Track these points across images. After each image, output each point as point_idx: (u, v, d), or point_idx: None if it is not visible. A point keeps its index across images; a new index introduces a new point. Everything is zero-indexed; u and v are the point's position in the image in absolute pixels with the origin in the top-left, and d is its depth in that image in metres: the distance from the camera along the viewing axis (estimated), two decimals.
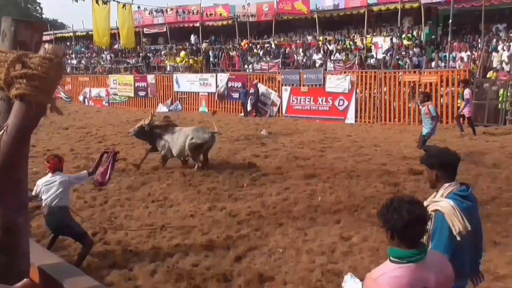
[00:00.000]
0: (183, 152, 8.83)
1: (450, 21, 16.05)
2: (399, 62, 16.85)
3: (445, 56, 16.48)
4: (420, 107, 9.02)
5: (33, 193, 4.85)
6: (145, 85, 22.58)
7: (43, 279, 1.88)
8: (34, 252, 2.01)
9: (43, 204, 4.82)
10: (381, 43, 19.18)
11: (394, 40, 18.31)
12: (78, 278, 1.87)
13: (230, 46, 23.68)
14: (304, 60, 19.35)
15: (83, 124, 16.45)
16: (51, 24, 41.85)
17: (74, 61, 29.22)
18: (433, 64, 16.56)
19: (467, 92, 11.68)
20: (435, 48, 18.17)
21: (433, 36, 19.34)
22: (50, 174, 4.85)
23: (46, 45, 1.47)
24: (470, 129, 11.82)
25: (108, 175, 5.21)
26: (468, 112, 11.75)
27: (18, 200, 1.62)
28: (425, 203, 2.63)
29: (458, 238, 2.45)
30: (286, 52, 20.60)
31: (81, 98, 25.90)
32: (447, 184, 2.58)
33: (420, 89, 14.10)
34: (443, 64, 16.30)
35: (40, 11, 51.05)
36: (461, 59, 16.11)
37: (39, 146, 11.76)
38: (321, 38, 21.39)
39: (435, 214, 2.52)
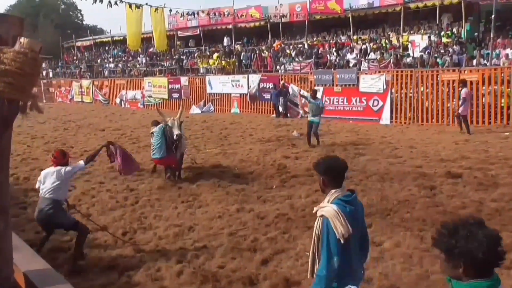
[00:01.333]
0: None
1: (493, 16, 15.23)
2: (438, 60, 16.19)
3: (488, 53, 15.66)
4: (312, 100, 10.86)
5: (37, 185, 5.03)
6: (179, 87, 22.97)
7: (27, 285, 1.85)
8: (22, 256, 1.99)
9: (40, 194, 4.90)
10: (418, 41, 18.52)
11: (432, 37, 17.62)
12: (59, 286, 1.84)
13: (263, 47, 23.67)
14: (337, 60, 19.01)
15: (118, 125, 16.92)
16: (91, 29, 43.54)
17: (112, 65, 30.21)
18: (474, 62, 15.78)
19: (463, 91, 12.27)
20: (476, 45, 17.31)
21: (475, 33, 18.45)
22: (52, 167, 4.94)
23: (22, 39, 1.39)
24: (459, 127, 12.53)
25: (127, 163, 5.20)
26: (463, 111, 12.34)
27: None
28: (314, 209, 2.74)
29: (342, 241, 2.54)
30: (319, 52, 20.33)
31: (117, 100, 26.70)
32: (333, 191, 2.68)
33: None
34: (485, 62, 15.49)
35: (80, 17, 53.23)
36: (506, 56, 15.24)
37: (76, 147, 12.21)
38: (355, 37, 20.95)
39: (322, 219, 2.64)
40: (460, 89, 12.86)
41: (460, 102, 12.47)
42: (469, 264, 1.68)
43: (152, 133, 8.34)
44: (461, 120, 12.51)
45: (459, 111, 12.50)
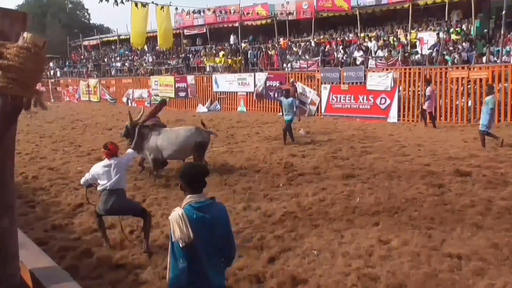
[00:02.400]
0: (180, 153, 8.30)
1: (504, 12, 15.05)
2: (446, 57, 16.03)
3: (498, 50, 15.46)
4: (285, 99, 11.48)
5: (85, 180, 5.14)
6: (185, 86, 23.02)
7: (33, 282, 1.86)
8: (29, 253, 2.00)
9: (100, 189, 5.05)
10: (427, 39, 18.35)
11: (441, 35, 17.44)
12: (64, 284, 1.85)
13: (269, 45, 23.62)
14: (344, 57, 18.91)
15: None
16: (98, 28, 43.78)
17: (118, 64, 30.33)
18: (484, 59, 15.59)
19: (428, 89, 13.13)
20: (486, 42, 17.10)
21: (484, 30, 18.23)
22: (106, 160, 5.05)
23: (25, 34, 1.37)
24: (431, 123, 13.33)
25: None
26: (429, 108, 13.17)
27: (2, 201, 1.54)
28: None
29: (181, 245, 2.58)
30: (326, 50, 20.24)
31: (124, 99, 26.81)
32: (188, 196, 2.72)
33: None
34: (495, 59, 15.31)
35: (88, 16, 53.54)
36: None
37: (84, 146, 12.28)
38: (362, 35, 20.82)
39: (170, 222, 2.69)
40: (425, 87, 13.69)
41: (425, 99, 13.29)
42: None
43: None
44: (426, 117, 13.47)
45: (424, 107, 13.40)
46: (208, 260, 2.69)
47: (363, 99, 16.29)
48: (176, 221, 2.60)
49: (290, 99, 11.45)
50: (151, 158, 8.37)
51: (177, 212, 2.64)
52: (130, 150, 5.31)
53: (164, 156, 8.30)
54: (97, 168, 5.05)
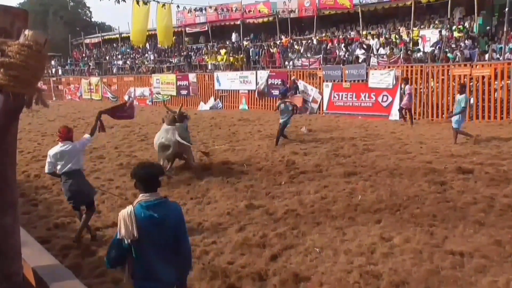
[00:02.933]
0: (159, 152, 8.23)
1: (507, 9, 14.97)
2: (448, 55, 15.97)
3: (501, 47, 15.39)
4: (282, 104, 11.44)
5: (48, 167, 5.35)
6: (187, 84, 23.01)
7: (36, 280, 1.87)
8: (31, 251, 2.01)
9: (59, 173, 5.30)
10: (429, 36, 18.26)
11: (444, 32, 17.37)
12: (67, 282, 1.86)
13: (271, 43, 23.57)
14: (346, 55, 18.87)
15: (127, 122, 16.94)
16: (99, 26, 43.75)
17: (120, 62, 30.29)
18: (486, 56, 15.52)
19: (408, 88, 13.51)
20: (489, 39, 17.01)
21: (487, 27, 18.14)
22: (60, 144, 5.30)
23: (27, 31, 1.37)
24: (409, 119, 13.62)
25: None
26: (406, 105, 13.59)
27: (5, 199, 1.54)
28: None
29: (125, 242, 2.69)
30: (328, 47, 20.19)
31: (126, 97, 26.75)
32: (141, 195, 2.79)
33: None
34: (497, 56, 15.23)
35: (89, 14, 53.48)
36: None
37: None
38: (364, 32, 20.76)
39: None
40: (404, 85, 13.93)
41: (406, 97, 13.54)
42: None
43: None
44: (406, 112, 13.72)
45: (402, 104, 13.79)
46: (157, 255, 2.77)
47: (365, 96, 16.27)
48: (123, 218, 2.69)
49: (283, 104, 11.37)
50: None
51: (126, 210, 2.73)
52: (87, 135, 5.61)
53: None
54: (52, 152, 5.30)
